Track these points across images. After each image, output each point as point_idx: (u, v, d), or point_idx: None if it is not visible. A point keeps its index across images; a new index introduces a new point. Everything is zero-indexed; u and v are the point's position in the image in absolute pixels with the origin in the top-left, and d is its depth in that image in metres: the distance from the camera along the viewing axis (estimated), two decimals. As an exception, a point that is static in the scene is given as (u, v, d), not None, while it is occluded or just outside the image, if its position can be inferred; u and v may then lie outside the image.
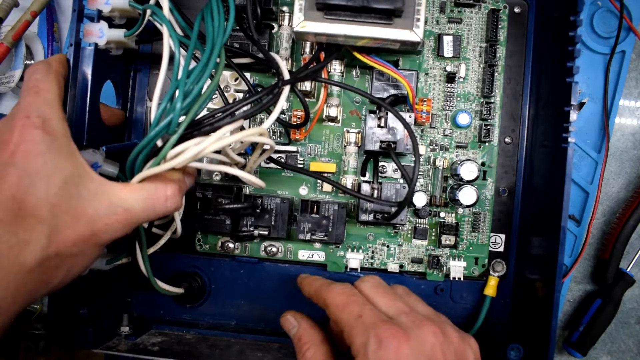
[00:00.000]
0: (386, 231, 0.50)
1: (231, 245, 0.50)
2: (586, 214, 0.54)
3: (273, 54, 0.43)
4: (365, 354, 0.32)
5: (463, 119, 0.49)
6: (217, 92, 0.46)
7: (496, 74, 0.49)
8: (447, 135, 0.50)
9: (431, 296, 0.51)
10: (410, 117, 0.44)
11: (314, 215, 0.47)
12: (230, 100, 0.46)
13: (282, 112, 0.49)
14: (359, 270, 0.50)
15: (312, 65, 0.44)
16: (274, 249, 0.50)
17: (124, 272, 0.44)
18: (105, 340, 0.46)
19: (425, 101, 0.48)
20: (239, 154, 0.41)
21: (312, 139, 0.50)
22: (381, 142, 0.44)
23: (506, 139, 0.50)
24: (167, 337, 0.49)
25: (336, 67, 0.48)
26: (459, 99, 0.50)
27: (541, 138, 0.48)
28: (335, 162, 0.50)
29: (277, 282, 0.51)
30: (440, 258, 0.49)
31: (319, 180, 0.50)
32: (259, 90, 0.43)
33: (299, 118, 0.49)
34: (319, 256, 0.50)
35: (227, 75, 0.47)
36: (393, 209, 0.45)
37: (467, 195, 0.47)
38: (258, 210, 0.47)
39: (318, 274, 0.50)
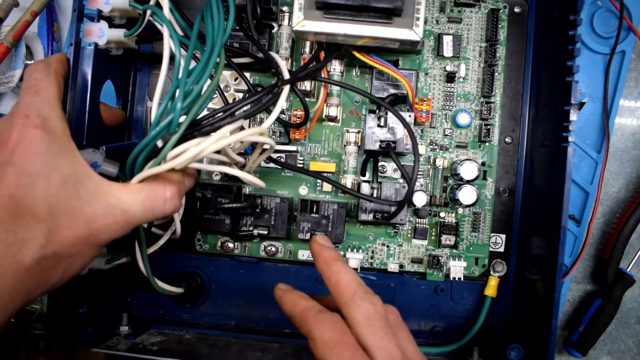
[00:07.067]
0: (386, 231, 0.50)
1: (231, 245, 0.50)
2: (586, 214, 0.54)
3: (273, 54, 0.43)
4: None
5: (463, 118, 0.49)
6: (217, 92, 0.46)
7: (496, 74, 0.49)
8: (447, 135, 0.50)
9: (431, 296, 0.51)
10: (410, 116, 0.44)
11: (313, 214, 0.46)
12: (230, 100, 0.46)
13: (282, 112, 0.49)
14: (358, 270, 0.50)
15: (311, 65, 0.44)
16: (274, 249, 0.50)
17: (123, 271, 0.44)
18: (104, 340, 0.46)
19: (425, 101, 0.48)
20: (239, 154, 0.41)
21: (311, 138, 0.50)
22: (381, 141, 0.44)
23: (506, 139, 0.50)
24: (166, 336, 0.49)
25: (336, 67, 0.48)
26: (459, 98, 0.50)
27: (541, 138, 0.48)
28: (335, 162, 0.50)
29: (277, 282, 0.51)
30: (440, 258, 0.49)
31: (318, 180, 0.50)
32: (258, 90, 0.43)
33: (298, 118, 0.49)
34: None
35: (227, 75, 0.47)
36: (393, 209, 0.44)
37: (467, 195, 0.47)
38: (258, 210, 0.47)
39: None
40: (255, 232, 0.47)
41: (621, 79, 0.54)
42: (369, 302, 0.33)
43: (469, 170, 0.47)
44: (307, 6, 0.39)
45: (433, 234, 0.50)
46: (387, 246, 0.50)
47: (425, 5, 0.40)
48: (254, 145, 0.42)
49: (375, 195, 0.46)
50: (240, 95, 0.47)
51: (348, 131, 0.49)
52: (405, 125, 0.43)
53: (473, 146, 0.50)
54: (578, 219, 0.54)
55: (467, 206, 0.48)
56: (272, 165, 0.49)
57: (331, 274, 0.35)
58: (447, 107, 0.50)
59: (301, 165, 0.50)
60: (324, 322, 0.33)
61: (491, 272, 0.50)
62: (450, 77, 0.49)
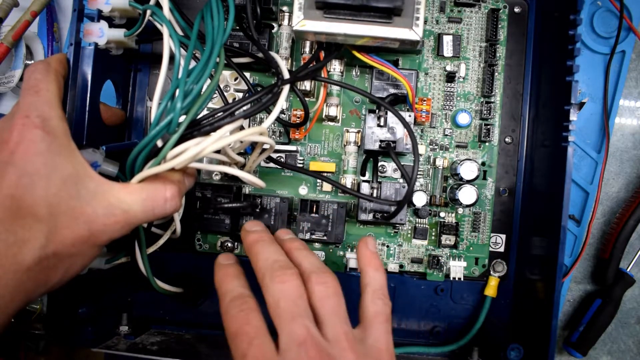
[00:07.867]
0: (386, 231, 0.50)
1: (231, 244, 0.50)
2: (586, 214, 0.54)
3: (273, 54, 0.43)
4: None
5: (463, 118, 0.49)
6: (216, 91, 0.46)
7: (496, 74, 0.49)
8: (447, 135, 0.50)
9: (431, 296, 0.51)
10: (410, 116, 0.44)
11: (313, 214, 0.46)
12: (230, 100, 0.46)
13: (282, 112, 0.49)
14: (358, 270, 0.49)
15: (311, 65, 0.44)
16: (274, 249, 0.50)
17: (123, 271, 0.44)
18: (104, 340, 0.46)
19: (425, 101, 0.48)
20: (239, 154, 0.41)
21: (311, 138, 0.50)
22: (381, 141, 0.44)
23: (506, 139, 0.50)
24: (166, 336, 0.49)
25: (336, 67, 0.48)
26: (458, 98, 0.50)
27: (541, 138, 0.48)
28: (334, 162, 0.50)
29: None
30: (440, 258, 0.49)
31: (318, 180, 0.50)
32: (258, 89, 0.43)
33: (298, 117, 0.49)
34: (318, 256, 0.50)
35: (226, 74, 0.47)
36: (393, 208, 0.44)
37: (467, 195, 0.47)
38: (257, 210, 0.47)
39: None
40: (255, 232, 0.47)
41: (621, 79, 0.54)
42: (278, 282, 0.31)
43: (469, 170, 0.47)
44: (307, 6, 0.39)
45: (433, 234, 0.50)
46: (387, 246, 0.50)
47: (425, 5, 0.40)
48: (253, 145, 0.42)
49: (375, 195, 0.46)
50: (240, 95, 0.47)
51: (348, 131, 0.49)
52: (405, 125, 0.43)
53: (473, 146, 0.50)
54: (578, 219, 0.54)
55: (467, 206, 0.48)
56: (272, 165, 0.49)
57: (251, 258, 0.34)
58: (447, 107, 0.50)
59: (301, 165, 0.50)
60: (230, 312, 0.31)
61: (491, 272, 0.50)
62: (450, 77, 0.49)
